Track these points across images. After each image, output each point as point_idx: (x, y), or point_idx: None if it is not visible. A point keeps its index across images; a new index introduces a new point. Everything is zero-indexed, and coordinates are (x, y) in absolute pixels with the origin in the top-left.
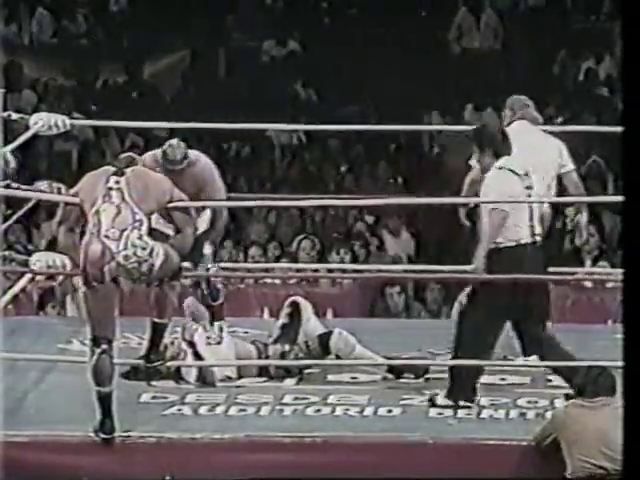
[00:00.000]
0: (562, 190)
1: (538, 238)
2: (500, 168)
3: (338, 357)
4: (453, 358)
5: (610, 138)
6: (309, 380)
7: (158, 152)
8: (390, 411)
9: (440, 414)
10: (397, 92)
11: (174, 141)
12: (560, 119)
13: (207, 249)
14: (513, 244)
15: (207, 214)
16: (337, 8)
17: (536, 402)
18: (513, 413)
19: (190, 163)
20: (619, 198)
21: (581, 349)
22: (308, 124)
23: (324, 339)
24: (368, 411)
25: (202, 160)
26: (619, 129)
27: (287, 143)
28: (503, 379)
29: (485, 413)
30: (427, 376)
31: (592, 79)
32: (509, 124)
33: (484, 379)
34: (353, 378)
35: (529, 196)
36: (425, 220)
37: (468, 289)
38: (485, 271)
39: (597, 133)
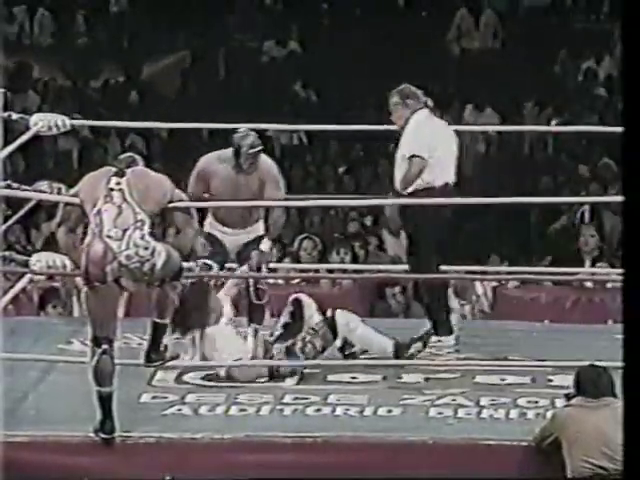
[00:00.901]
0: None
1: None
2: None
3: (346, 342)
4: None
5: (612, 139)
6: (309, 380)
7: (227, 151)
8: (390, 411)
9: (440, 414)
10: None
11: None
12: (554, 121)
13: (265, 245)
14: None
15: (277, 212)
16: (337, 8)
17: (536, 402)
18: (513, 413)
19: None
20: (618, 198)
21: (582, 349)
22: (308, 124)
23: (329, 320)
24: (368, 411)
25: (263, 156)
26: (618, 129)
27: (288, 144)
28: (503, 379)
29: (485, 413)
30: (428, 376)
31: (592, 79)
32: (414, 112)
33: (484, 379)
34: (353, 378)
35: None
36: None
37: None
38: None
39: (600, 133)
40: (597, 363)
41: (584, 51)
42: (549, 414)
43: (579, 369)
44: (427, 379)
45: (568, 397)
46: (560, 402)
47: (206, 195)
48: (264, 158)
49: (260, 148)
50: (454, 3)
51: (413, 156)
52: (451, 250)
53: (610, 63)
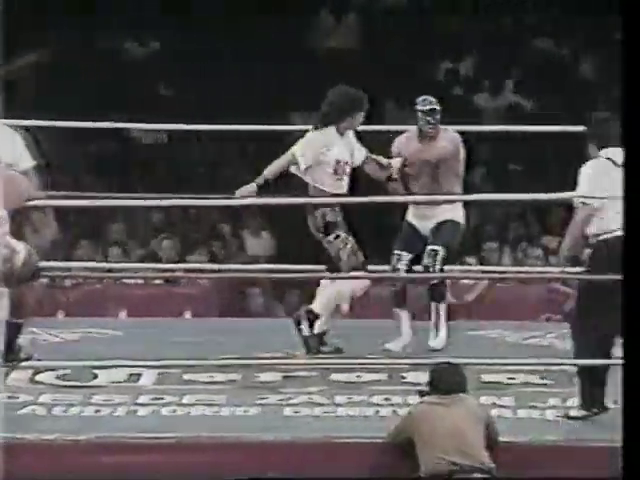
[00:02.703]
0: None
1: None
2: None
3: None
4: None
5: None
6: (165, 380)
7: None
8: (247, 411)
9: (297, 412)
10: (261, 93)
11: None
12: None
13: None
14: None
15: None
16: (198, 8)
17: (390, 399)
18: (369, 410)
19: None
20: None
21: None
22: (170, 123)
23: None
24: (225, 411)
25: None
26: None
27: (152, 143)
28: (359, 376)
29: (341, 411)
30: (285, 375)
31: (451, 79)
32: None
33: (341, 377)
34: (210, 377)
35: None
36: (286, 220)
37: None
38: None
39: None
40: (451, 360)
41: (444, 51)
42: (403, 411)
43: (433, 366)
44: (284, 378)
45: (422, 394)
46: (414, 399)
47: None
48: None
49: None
50: (317, 4)
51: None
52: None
53: (470, 63)
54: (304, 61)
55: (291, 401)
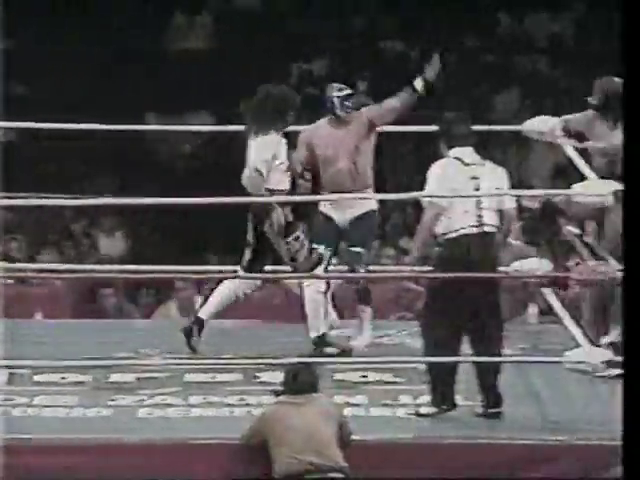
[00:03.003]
0: None
1: None
2: None
3: None
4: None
5: None
6: (16, 381)
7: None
8: (99, 412)
9: (150, 414)
10: (115, 94)
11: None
12: None
13: None
14: None
15: None
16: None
17: (245, 400)
18: (223, 411)
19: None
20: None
21: (290, 345)
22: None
23: None
24: (77, 412)
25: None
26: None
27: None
28: (213, 377)
29: (195, 412)
30: (139, 376)
31: (304, 80)
32: None
33: (195, 377)
34: (62, 378)
35: None
36: (140, 220)
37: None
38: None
39: None
40: (302, 360)
41: (298, 52)
42: (257, 412)
43: (286, 367)
44: (138, 379)
45: (276, 394)
46: (268, 399)
47: None
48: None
49: None
50: (170, 5)
51: None
52: (170, 249)
53: (322, 64)
54: (159, 62)
55: (145, 402)
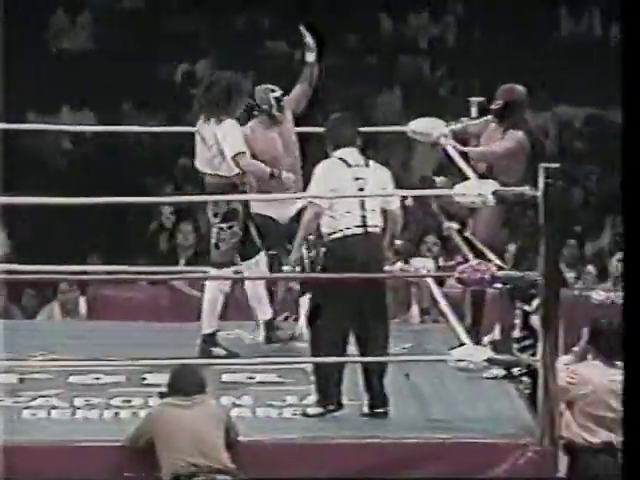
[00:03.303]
0: None
1: None
2: None
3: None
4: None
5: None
6: None
7: None
8: None
9: (34, 415)
10: None
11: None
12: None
13: None
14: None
15: None
16: None
17: (130, 401)
18: (107, 413)
19: None
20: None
21: (177, 347)
22: None
23: None
24: None
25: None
26: None
27: None
28: (98, 378)
29: (79, 414)
30: (22, 377)
31: (188, 80)
32: None
33: (79, 379)
34: None
35: None
36: (22, 219)
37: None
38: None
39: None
40: (189, 361)
41: (181, 52)
42: (143, 413)
43: (172, 368)
44: (21, 380)
45: (162, 396)
46: (154, 401)
47: None
48: None
49: None
50: (52, 3)
51: None
52: (52, 249)
53: (206, 64)
54: (40, 61)
55: (28, 404)
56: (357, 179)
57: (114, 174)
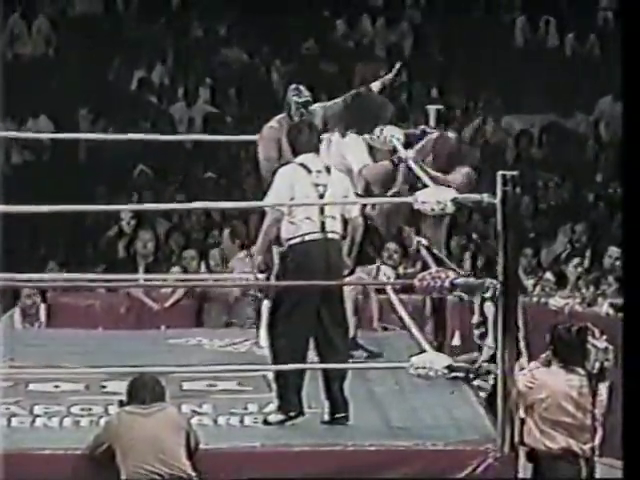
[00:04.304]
0: None
1: None
2: None
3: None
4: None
5: (164, 147)
6: None
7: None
8: None
9: None
10: None
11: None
12: None
13: None
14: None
15: None
16: None
17: (90, 409)
18: (67, 421)
19: None
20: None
21: (136, 355)
22: None
23: None
24: None
25: None
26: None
27: None
28: (57, 386)
29: (39, 422)
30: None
31: (145, 87)
32: None
33: (39, 387)
34: None
35: None
36: None
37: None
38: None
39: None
40: (148, 369)
41: (137, 59)
42: (102, 421)
43: (132, 376)
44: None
45: (122, 404)
46: (114, 409)
47: None
48: None
49: None
50: (7, 6)
51: None
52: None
53: (162, 72)
54: None
55: None
56: (317, 185)
57: (70, 181)
